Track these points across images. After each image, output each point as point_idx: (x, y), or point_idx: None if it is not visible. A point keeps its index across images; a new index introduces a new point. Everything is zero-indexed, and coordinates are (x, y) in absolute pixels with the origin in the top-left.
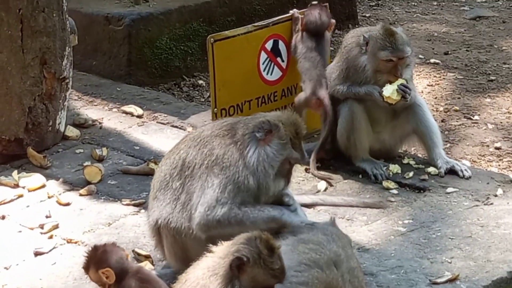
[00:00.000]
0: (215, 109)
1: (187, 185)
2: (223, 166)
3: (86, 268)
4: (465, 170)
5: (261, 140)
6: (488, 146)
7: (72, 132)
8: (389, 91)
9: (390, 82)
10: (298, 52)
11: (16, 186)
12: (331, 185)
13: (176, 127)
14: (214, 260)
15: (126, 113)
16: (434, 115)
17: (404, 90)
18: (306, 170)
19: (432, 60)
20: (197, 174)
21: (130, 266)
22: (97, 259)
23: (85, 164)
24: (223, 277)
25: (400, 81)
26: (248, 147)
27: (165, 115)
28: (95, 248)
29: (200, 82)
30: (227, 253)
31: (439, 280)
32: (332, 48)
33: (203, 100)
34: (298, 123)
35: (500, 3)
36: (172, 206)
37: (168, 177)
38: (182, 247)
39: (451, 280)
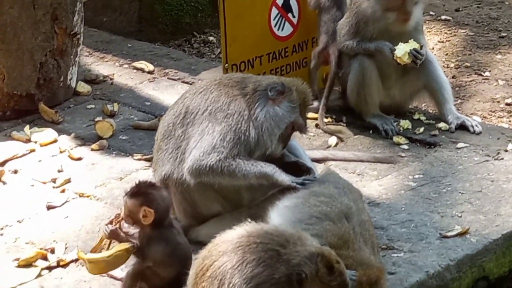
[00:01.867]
0: (226, 65)
1: (188, 131)
2: (228, 114)
3: (131, 196)
4: (476, 125)
5: (271, 99)
6: (498, 102)
7: (84, 87)
8: (401, 51)
9: (404, 42)
10: (320, 2)
11: (28, 141)
12: (341, 139)
13: (187, 83)
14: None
15: (137, 69)
16: (445, 71)
17: (415, 56)
18: (317, 125)
19: (443, 17)
20: (199, 120)
21: (169, 222)
22: (148, 195)
23: (96, 119)
24: (286, 284)
25: (414, 44)
26: (257, 103)
27: (176, 71)
28: (152, 185)
29: (211, 38)
30: (287, 261)
31: (449, 234)
32: None
33: (214, 56)
34: (308, 93)
35: None
36: (174, 155)
37: (171, 126)
38: (191, 203)
39: (461, 234)
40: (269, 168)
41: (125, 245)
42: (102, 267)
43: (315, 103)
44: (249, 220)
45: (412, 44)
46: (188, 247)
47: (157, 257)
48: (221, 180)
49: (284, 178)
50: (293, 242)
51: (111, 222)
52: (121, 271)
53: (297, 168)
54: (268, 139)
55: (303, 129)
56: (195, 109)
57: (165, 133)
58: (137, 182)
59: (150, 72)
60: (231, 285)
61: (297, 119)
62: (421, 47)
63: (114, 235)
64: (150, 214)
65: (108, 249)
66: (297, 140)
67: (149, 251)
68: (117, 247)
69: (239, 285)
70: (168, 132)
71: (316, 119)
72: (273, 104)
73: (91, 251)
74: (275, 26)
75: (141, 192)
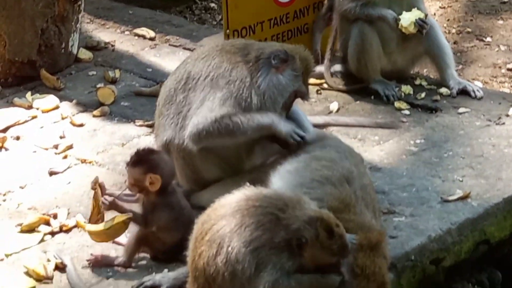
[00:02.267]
0: (227, 31)
1: (190, 97)
2: (229, 80)
3: (134, 164)
4: (477, 90)
5: (274, 67)
6: (500, 67)
7: (85, 54)
8: (407, 21)
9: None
10: None
11: (30, 107)
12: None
13: (188, 49)
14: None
15: (138, 35)
16: (446, 37)
17: (421, 25)
18: (318, 91)
19: None
20: (201, 86)
21: (172, 187)
22: (152, 162)
23: (98, 86)
24: (286, 248)
25: (419, 14)
26: (260, 71)
27: (177, 37)
28: (152, 151)
29: (212, 5)
30: (286, 226)
31: (450, 198)
32: None
33: (215, 23)
34: (310, 60)
35: None
36: (175, 121)
37: (172, 91)
38: (193, 168)
39: (462, 198)
40: (267, 119)
41: (123, 217)
42: (103, 238)
43: (317, 68)
44: (249, 184)
45: (417, 14)
46: (191, 211)
47: (161, 223)
48: (221, 141)
49: (284, 127)
50: (292, 206)
51: (93, 188)
52: (125, 237)
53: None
54: (272, 107)
55: (305, 97)
56: (196, 75)
57: (167, 99)
58: (137, 150)
59: (151, 39)
60: (229, 248)
61: (300, 87)
62: (426, 16)
63: (113, 206)
64: (157, 180)
65: (103, 219)
66: (299, 106)
67: (154, 217)
68: (116, 218)
69: (238, 248)
70: (169, 97)
71: (318, 84)
72: (276, 73)
73: (89, 222)
74: None
75: (143, 160)
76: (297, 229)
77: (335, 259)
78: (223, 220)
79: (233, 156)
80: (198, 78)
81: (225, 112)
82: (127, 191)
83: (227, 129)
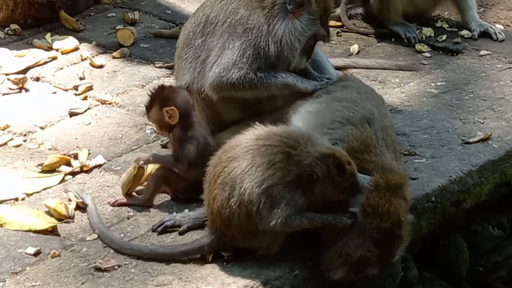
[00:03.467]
0: None
1: (208, 42)
2: (247, 28)
3: (150, 106)
4: (499, 33)
5: (291, 12)
6: None
7: None
8: None
9: None
10: None
11: (50, 48)
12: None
13: None
14: (271, 150)
15: None
16: None
17: None
18: (338, 34)
19: None
20: (219, 32)
21: (197, 120)
22: (164, 97)
23: (117, 28)
24: (298, 185)
25: None
26: (277, 18)
27: None
28: (162, 87)
29: None
30: (298, 161)
31: (471, 140)
32: None
33: None
34: (328, 1)
35: None
36: (194, 65)
37: (191, 34)
38: (213, 110)
39: (483, 140)
40: (291, 78)
41: (132, 170)
42: (129, 188)
43: (337, 10)
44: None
45: None
46: (216, 149)
47: (190, 156)
48: (243, 94)
49: (307, 85)
50: (304, 143)
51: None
52: None
53: None
54: (290, 53)
55: (325, 39)
56: (214, 19)
57: (186, 42)
58: (148, 92)
59: None
60: (242, 189)
61: (318, 30)
62: None
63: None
64: (174, 112)
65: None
66: (320, 48)
67: (183, 153)
68: (128, 173)
69: (250, 189)
70: (188, 40)
71: (338, 27)
72: (293, 18)
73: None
74: None
75: (154, 98)
76: (309, 165)
77: (345, 197)
78: (234, 162)
79: (253, 100)
80: (216, 23)
81: (248, 67)
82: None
83: (250, 84)
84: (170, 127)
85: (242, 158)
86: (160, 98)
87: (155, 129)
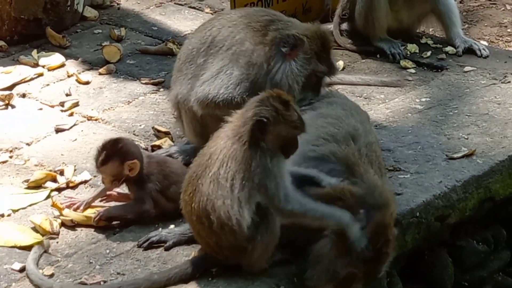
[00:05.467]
0: None
1: (209, 62)
2: (249, 62)
3: (105, 160)
4: (483, 49)
5: (287, 55)
6: (506, 26)
7: (90, 12)
8: None
9: None
10: None
11: (36, 65)
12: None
13: (194, 8)
14: (233, 128)
15: None
16: None
17: None
18: None
19: None
20: (221, 55)
21: (146, 155)
22: (124, 151)
23: (104, 44)
24: (248, 144)
25: None
26: (275, 59)
27: None
28: (115, 141)
29: None
30: (244, 120)
31: (455, 156)
32: None
33: None
34: (325, 36)
35: None
36: (192, 82)
37: (195, 51)
38: (201, 123)
39: (467, 156)
40: None
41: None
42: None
43: (328, 26)
44: None
45: None
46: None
47: (154, 195)
48: (227, 114)
49: None
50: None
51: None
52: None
53: None
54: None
55: (328, 74)
56: (220, 43)
57: (188, 57)
58: (101, 147)
59: None
60: (216, 212)
61: (315, 68)
62: None
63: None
64: (136, 165)
65: None
66: None
67: (145, 192)
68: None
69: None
70: (191, 56)
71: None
72: (290, 59)
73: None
74: None
75: (114, 152)
76: (255, 113)
77: (297, 133)
78: (197, 194)
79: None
80: (221, 47)
81: (239, 93)
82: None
83: (236, 107)
84: (125, 179)
85: (200, 185)
86: (118, 152)
87: (102, 182)
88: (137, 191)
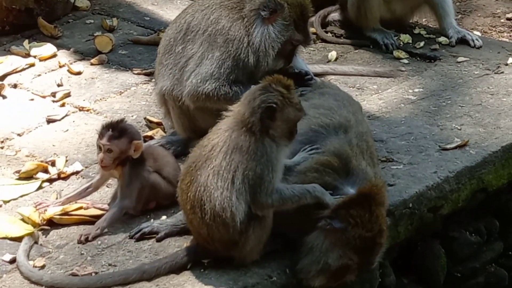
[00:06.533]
0: None
1: (187, 49)
2: (227, 38)
3: (118, 136)
4: (476, 39)
5: (265, 18)
6: (499, 17)
7: (82, 2)
8: None
9: None
10: None
11: (28, 55)
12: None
13: None
14: (237, 120)
15: None
16: None
17: None
18: (315, 41)
19: None
20: (199, 40)
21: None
22: (133, 129)
23: (95, 34)
24: (258, 133)
25: None
26: (254, 25)
27: None
28: (123, 120)
29: None
30: (251, 110)
31: (448, 146)
32: None
33: None
34: (305, 5)
35: None
36: (173, 72)
37: (172, 41)
38: (189, 117)
39: (460, 146)
40: None
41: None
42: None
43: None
44: None
45: None
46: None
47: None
48: (218, 105)
49: None
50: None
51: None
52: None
53: (300, 77)
54: (264, 60)
55: (303, 43)
56: (195, 27)
57: (166, 48)
58: (113, 123)
59: None
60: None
61: (292, 35)
62: None
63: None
64: (140, 146)
65: None
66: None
67: (130, 187)
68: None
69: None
70: (169, 47)
71: (314, 33)
72: (268, 24)
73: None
74: None
75: (125, 130)
76: (263, 101)
77: (302, 115)
78: (193, 184)
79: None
80: (197, 31)
81: (224, 78)
82: None
83: (225, 97)
84: (123, 161)
85: (198, 176)
86: (129, 130)
87: (101, 162)
88: (129, 176)
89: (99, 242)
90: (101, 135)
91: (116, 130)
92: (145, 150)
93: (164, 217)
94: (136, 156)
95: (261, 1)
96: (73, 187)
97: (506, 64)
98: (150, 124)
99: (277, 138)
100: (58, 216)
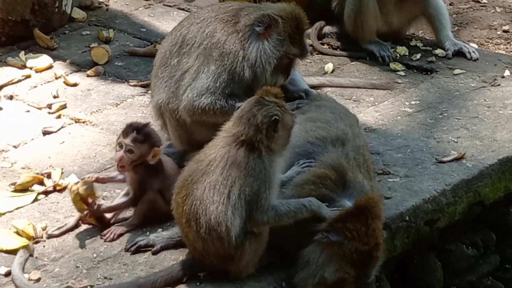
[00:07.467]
0: None
1: (183, 62)
2: (223, 52)
3: (142, 140)
4: (473, 52)
5: (260, 34)
6: (496, 29)
7: (79, 14)
8: None
9: None
10: None
11: (24, 66)
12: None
13: (182, 9)
14: (234, 136)
15: None
16: None
17: None
18: (311, 53)
19: None
20: (195, 53)
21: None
22: (155, 135)
23: (92, 46)
24: (259, 150)
25: None
26: (249, 41)
27: None
28: (147, 125)
29: None
30: (254, 127)
31: (445, 159)
32: None
33: None
34: (300, 18)
35: None
36: (169, 85)
37: (168, 54)
38: (186, 130)
39: (457, 159)
40: None
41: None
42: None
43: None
44: None
45: None
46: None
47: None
48: (214, 119)
49: None
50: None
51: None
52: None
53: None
54: (262, 75)
55: (299, 57)
56: (191, 41)
57: (162, 61)
58: (138, 126)
59: None
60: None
61: (288, 49)
62: None
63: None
64: (159, 153)
65: None
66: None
67: (151, 186)
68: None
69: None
70: (164, 59)
71: (311, 45)
72: (263, 39)
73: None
74: None
75: (149, 134)
76: (264, 116)
77: (294, 118)
78: (189, 198)
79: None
80: (192, 45)
81: (220, 92)
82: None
83: (221, 111)
84: (139, 165)
85: (194, 189)
86: (152, 136)
87: (118, 162)
88: (142, 181)
89: (95, 255)
90: (125, 134)
91: (142, 134)
92: (164, 162)
93: (160, 230)
94: (152, 162)
95: (255, 16)
96: (69, 199)
97: (503, 77)
98: None
99: (275, 150)
100: None
